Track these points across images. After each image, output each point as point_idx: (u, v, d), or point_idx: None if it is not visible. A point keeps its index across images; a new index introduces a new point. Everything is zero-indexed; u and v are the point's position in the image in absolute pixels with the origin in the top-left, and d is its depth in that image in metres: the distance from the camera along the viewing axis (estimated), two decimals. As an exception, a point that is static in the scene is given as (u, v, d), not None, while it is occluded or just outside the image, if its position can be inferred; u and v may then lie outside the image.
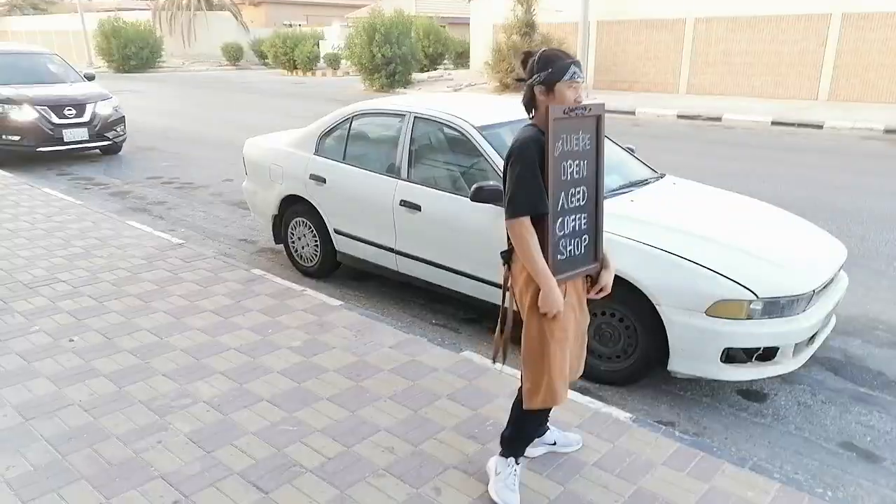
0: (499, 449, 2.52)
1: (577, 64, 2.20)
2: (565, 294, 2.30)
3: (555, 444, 2.74)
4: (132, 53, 31.14)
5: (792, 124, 13.31)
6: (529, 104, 2.29)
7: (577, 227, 2.34)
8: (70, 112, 9.43)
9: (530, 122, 2.30)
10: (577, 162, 2.27)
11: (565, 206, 2.27)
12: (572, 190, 2.29)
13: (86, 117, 9.55)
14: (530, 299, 2.28)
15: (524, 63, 2.28)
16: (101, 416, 2.95)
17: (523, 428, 2.47)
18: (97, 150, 10.19)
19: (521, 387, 2.41)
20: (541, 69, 2.19)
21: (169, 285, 4.55)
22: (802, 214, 4.35)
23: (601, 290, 2.43)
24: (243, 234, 6.34)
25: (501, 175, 2.39)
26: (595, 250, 2.43)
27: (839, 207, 6.97)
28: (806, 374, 3.60)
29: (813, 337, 3.35)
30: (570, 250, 2.32)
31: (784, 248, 3.59)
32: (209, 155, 10.41)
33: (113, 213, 6.56)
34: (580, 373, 2.54)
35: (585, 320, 2.49)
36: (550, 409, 2.59)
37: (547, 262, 2.21)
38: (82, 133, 9.52)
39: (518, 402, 2.45)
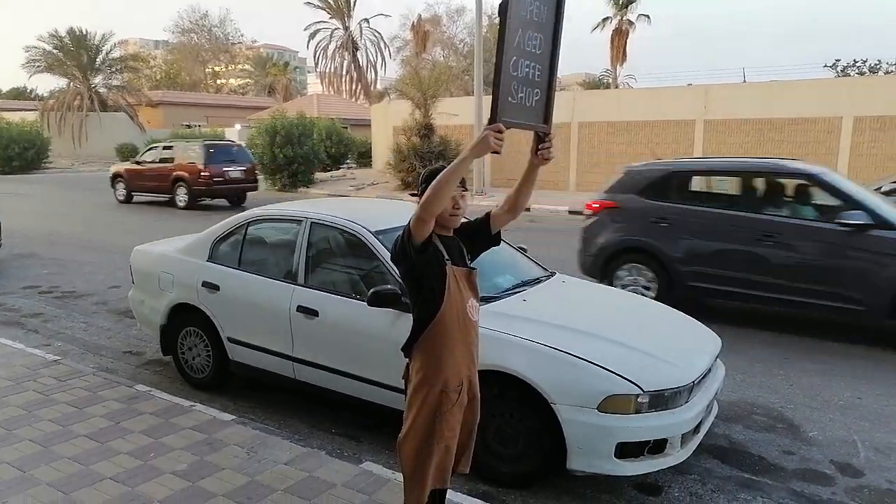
0: None
1: None
2: (460, 395, 2.42)
3: None
4: (15, 154, 29.59)
5: (671, 218, 14.43)
6: None
7: (530, 76, 2.24)
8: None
9: None
10: (539, 2, 2.20)
11: (522, 46, 2.15)
12: (530, 32, 2.18)
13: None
14: (421, 399, 2.41)
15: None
16: (-58, 573, 2.58)
17: None
18: (-34, 259, 9.44)
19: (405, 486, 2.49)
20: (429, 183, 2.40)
21: (38, 409, 4.15)
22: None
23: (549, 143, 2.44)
24: (128, 346, 5.94)
25: (399, 277, 2.47)
26: (546, 111, 2.36)
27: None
28: (696, 463, 3.73)
29: (698, 426, 3.51)
30: (521, 97, 2.21)
31: (664, 341, 3.80)
32: (95, 260, 9.86)
33: (-21, 329, 6.00)
34: (468, 468, 2.67)
35: (475, 418, 2.63)
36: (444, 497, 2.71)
37: (495, 107, 2.10)
38: (-51, 241, 8.81)
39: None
